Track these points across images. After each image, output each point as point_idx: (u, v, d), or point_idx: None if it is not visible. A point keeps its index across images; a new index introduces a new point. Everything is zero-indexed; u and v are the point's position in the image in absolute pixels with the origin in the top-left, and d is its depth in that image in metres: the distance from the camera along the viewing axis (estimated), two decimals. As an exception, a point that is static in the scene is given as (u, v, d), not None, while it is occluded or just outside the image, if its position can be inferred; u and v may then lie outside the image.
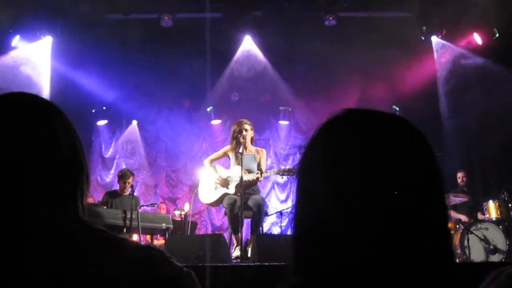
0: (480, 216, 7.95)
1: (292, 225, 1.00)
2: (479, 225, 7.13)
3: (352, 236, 0.91)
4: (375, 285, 0.89)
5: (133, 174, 8.04)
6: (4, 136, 1.05)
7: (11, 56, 9.31)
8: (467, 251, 6.78)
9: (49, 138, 1.09)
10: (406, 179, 0.93)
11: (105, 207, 7.51)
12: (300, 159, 1.03)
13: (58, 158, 1.08)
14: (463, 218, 7.94)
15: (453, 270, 0.94)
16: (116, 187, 9.87)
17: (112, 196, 7.88)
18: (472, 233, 6.94)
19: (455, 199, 7.92)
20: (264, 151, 6.73)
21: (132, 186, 7.66)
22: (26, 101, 1.14)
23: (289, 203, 10.33)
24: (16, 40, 9.40)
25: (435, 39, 9.95)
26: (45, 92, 9.64)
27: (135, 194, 7.65)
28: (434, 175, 0.96)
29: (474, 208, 8.25)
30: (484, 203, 7.70)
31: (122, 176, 7.88)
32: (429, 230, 0.93)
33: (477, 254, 6.85)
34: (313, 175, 0.98)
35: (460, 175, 8.67)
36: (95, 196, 10.48)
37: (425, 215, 0.93)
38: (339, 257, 0.91)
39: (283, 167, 6.24)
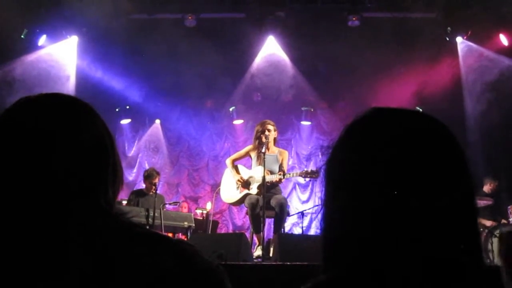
0: (503, 220, 7.84)
1: (321, 223, 1.01)
2: (503, 229, 7.04)
3: (382, 234, 0.91)
4: (404, 283, 0.90)
5: (158, 174, 8.09)
6: (34, 133, 1.07)
7: (38, 55, 9.45)
8: (490, 255, 6.70)
9: (74, 133, 1.11)
10: (437, 178, 0.93)
11: (124, 204, 7.60)
12: (327, 158, 1.03)
13: (82, 153, 1.10)
14: (488, 223, 7.79)
15: (482, 270, 0.93)
16: (139, 185, 9.96)
17: (138, 195, 7.95)
18: (496, 236, 6.86)
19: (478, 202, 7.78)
20: (286, 152, 6.73)
21: (155, 185, 7.71)
22: (54, 99, 1.17)
23: (311, 204, 10.33)
24: (42, 40, 9.54)
25: (460, 40, 9.83)
26: (70, 91, 9.76)
27: (158, 192, 7.70)
28: (464, 173, 0.96)
29: (497, 212, 8.13)
30: (509, 207, 7.60)
31: (148, 176, 7.93)
32: (460, 230, 0.93)
33: (501, 258, 6.77)
34: (342, 174, 0.99)
35: (489, 181, 8.49)
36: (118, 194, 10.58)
37: (456, 214, 0.92)
38: (368, 254, 0.92)
39: (306, 169, 6.23)
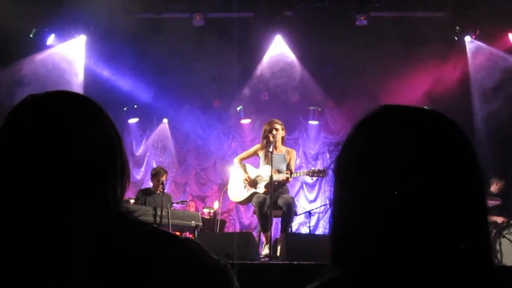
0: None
1: (329, 221, 1.01)
2: (511, 229, 7.00)
3: (391, 233, 0.91)
4: (411, 282, 0.90)
5: (166, 172, 8.09)
6: (43, 131, 1.08)
7: (47, 54, 9.49)
8: (499, 255, 6.66)
9: (81, 132, 1.11)
10: (448, 176, 0.92)
11: (132, 203, 7.61)
12: (337, 156, 1.03)
13: (89, 152, 1.11)
14: (499, 220, 7.66)
15: (491, 271, 0.93)
16: (146, 184, 9.97)
17: (145, 194, 7.96)
18: (504, 236, 6.82)
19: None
20: (294, 152, 6.72)
21: (162, 183, 7.72)
22: (61, 97, 1.17)
23: (318, 203, 10.30)
24: (51, 39, 9.58)
25: (468, 39, 9.77)
26: (78, 90, 9.79)
27: (165, 191, 7.70)
28: (475, 171, 0.96)
29: (506, 212, 8.06)
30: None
31: (156, 174, 7.94)
32: (470, 229, 0.93)
33: (509, 258, 6.72)
34: (352, 173, 0.99)
35: (496, 181, 8.43)
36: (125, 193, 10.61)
37: (466, 213, 0.92)
38: (376, 253, 0.92)
39: (313, 169, 6.22)
